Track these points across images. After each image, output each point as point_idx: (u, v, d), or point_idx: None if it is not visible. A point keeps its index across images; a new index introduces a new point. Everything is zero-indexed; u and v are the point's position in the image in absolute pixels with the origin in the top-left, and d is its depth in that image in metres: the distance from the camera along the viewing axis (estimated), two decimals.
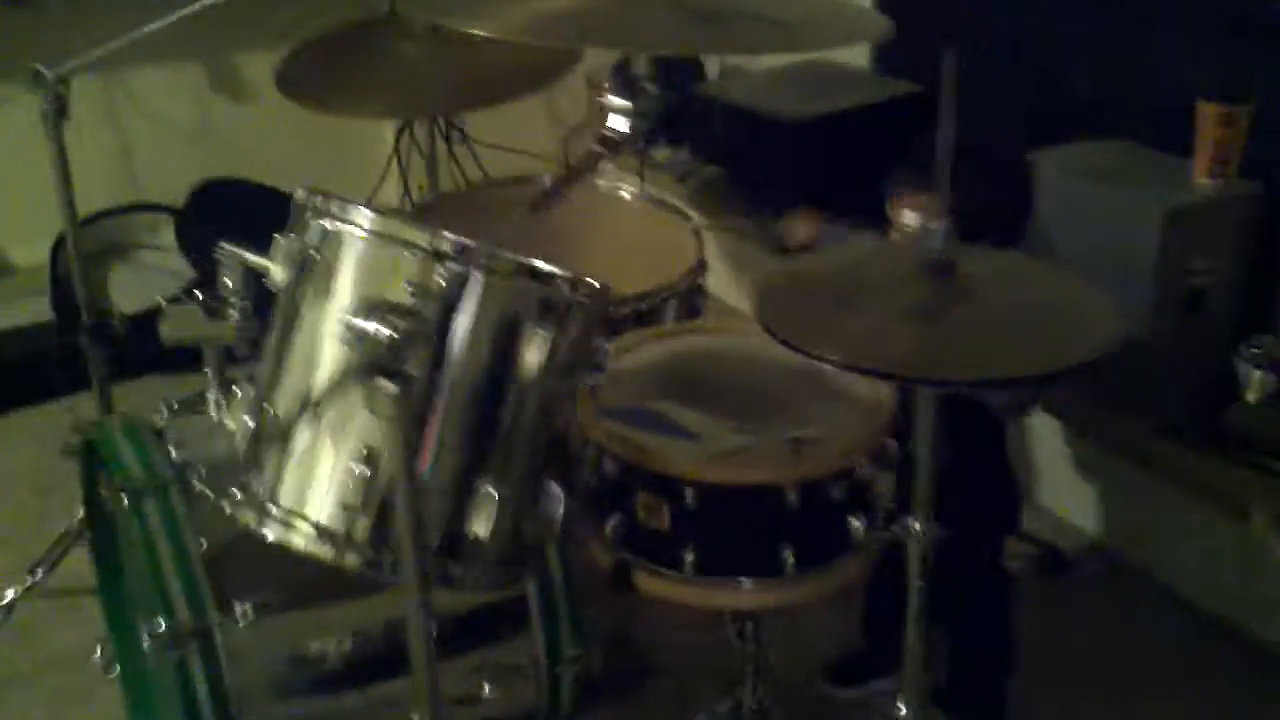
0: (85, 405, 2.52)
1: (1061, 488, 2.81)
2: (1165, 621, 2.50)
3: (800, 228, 2.42)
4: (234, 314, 1.70)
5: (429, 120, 2.95)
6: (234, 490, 1.53)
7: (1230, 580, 2.47)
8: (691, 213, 2.55)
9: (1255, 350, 2.44)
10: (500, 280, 1.46)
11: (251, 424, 1.52)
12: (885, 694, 2.33)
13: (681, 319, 2.22)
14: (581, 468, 1.77)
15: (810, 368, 1.92)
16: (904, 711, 1.71)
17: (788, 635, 2.21)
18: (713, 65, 4.05)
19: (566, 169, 1.32)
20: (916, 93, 3.36)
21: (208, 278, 1.70)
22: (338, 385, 1.46)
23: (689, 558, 1.74)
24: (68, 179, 2.29)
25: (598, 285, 1.53)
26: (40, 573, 2.48)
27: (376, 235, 1.47)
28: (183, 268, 3.56)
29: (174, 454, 1.78)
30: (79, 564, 2.33)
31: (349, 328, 1.25)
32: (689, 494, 1.71)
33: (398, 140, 3.82)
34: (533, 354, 1.46)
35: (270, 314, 1.56)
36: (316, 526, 1.48)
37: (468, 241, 1.44)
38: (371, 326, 1.23)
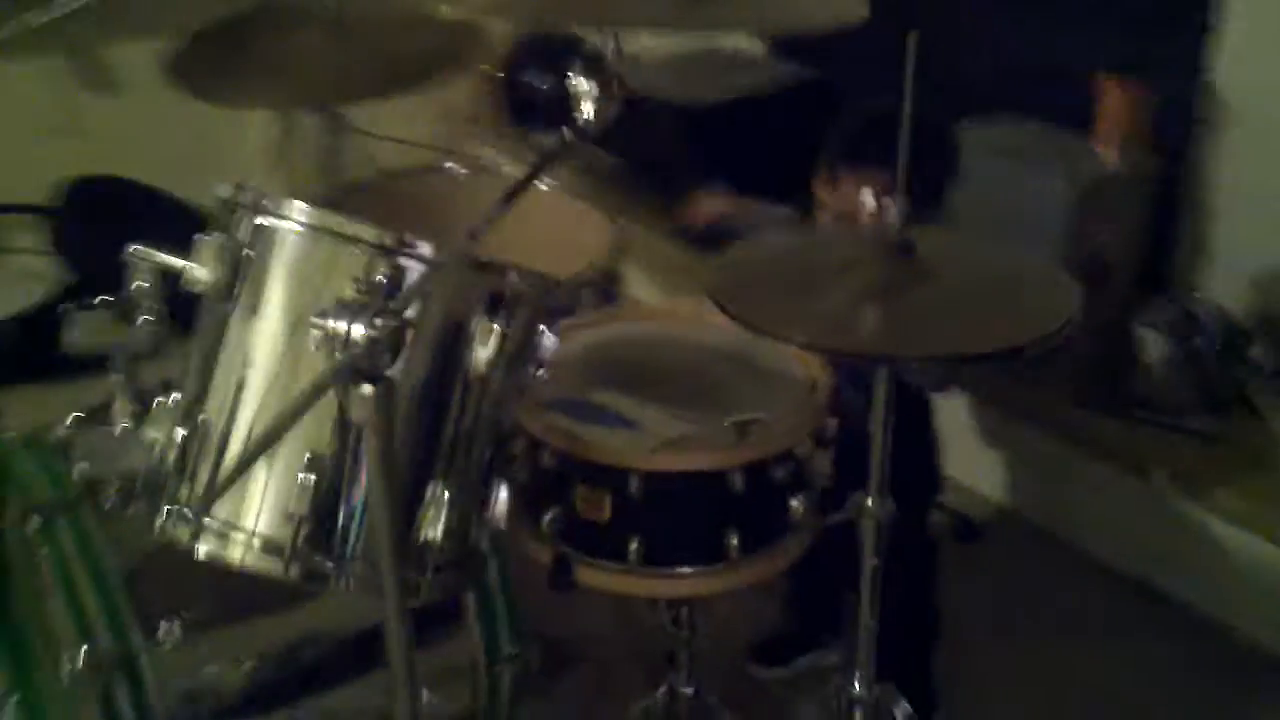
0: None
1: (968, 457, 2.84)
2: (1077, 581, 2.56)
3: (706, 204, 2.38)
4: (145, 318, 1.61)
5: (322, 112, 2.83)
6: (162, 504, 1.43)
7: (1137, 538, 2.52)
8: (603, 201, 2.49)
9: (1153, 316, 2.50)
10: (448, 274, 1.39)
11: (183, 433, 1.43)
12: (813, 670, 2.36)
13: (597, 308, 2.17)
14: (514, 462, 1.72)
15: (740, 350, 1.91)
16: (858, 688, 1.69)
17: (710, 618, 2.19)
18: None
19: (533, 162, 1.26)
20: (813, 78, 3.37)
21: (90, 281, 1.60)
22: (277, 390, 1.39)
23: (633, 547, 1.70)
24: None
25: (542, 275, 1.48)
26: None
27: (315, 230, 1.39)
28: (49, 270, 3.38)
29: (81, 469, 1.67)
30: None
31: (321, 330, 1.17)
32: (633, 483, 1.67)
33: (283, 134, 3.71)
34: (482, 349, 1.40)
35: (196, 317, 1.47)
36: (256, 538, 1.40)
37: (413, 236, 1.38)
38: (346, 327, 1.16)
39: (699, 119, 3.26)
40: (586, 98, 1.29)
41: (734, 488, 1.68)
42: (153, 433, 1.49)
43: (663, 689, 2.09)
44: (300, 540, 1.39)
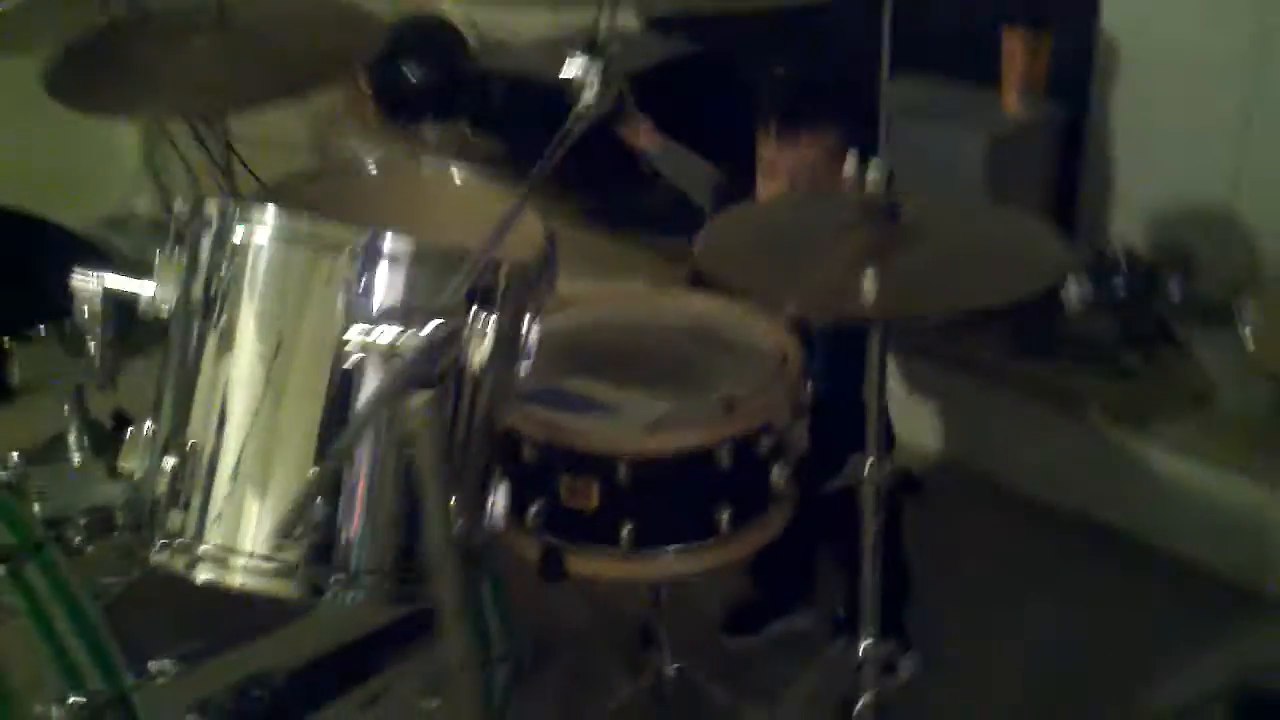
0: None
1: (904, 410, 2.87)
2: (1020, 523, 2.61)
3: (644, 133, 2.31)
4: (94, 346, 1.53)
5: (212, 121, 2.71)
6: (155, 535, 1.36)
7: (1075, 475, 2.59)
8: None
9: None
10: (439, 268, 1.34)
11: (171, 461, 1.35)
12: (785, 635, 2.37)
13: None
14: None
15: (703, 327, 1.90)
16: (865, 647, 1.69)
17: (680, 596, 2.19)
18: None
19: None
20: (696, 52, 3.36)
21: None
22: (265, 409, 1.33)
23: (625, 533, 1.68)
24: None
25: (527, 266, 1.44)
26: None
27: (290, 238, 1.33)
28: None
29: (40, 509, 1.58)
30: None
31: (363, 341, 1.12)
32: (621, 469, 1.65)
33: (150, 145, 3.56)
34: (477, 345, 1.35)
35: (155, 339, 1.40)
36: (256, 559, 1.34)
37: (397, 234, 1.32)
38: (393, 337, 1.11)
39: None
40: (587, 85, 1.24)
41: (721, 464, 1.68)
42: (129, 464, 1.41)
43: (646, 671, 2.08)
44: (304, 557, 1.33)
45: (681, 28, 3.48)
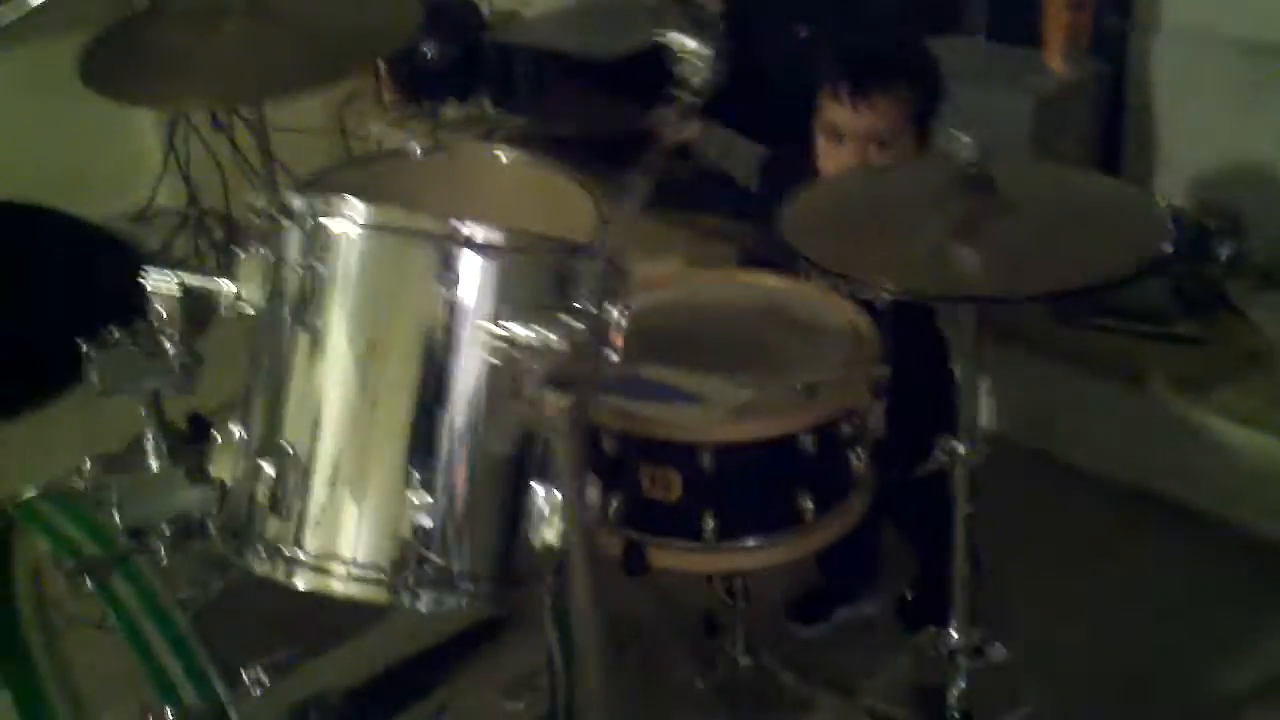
0: None
1: None
2: (1079, 498, 2.58)
3: (679, 122, 2.27)
4: (171, 348, 1.50)
5: (250, 108, 2.65)
6: (255, 543, 1.33)
7: (1134, 447, 2.56)
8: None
9: None
10: (528, 258, 1.31)
11: (264, 466, 1.31)
12: (852, 622, 2.35)
13: None
14: None
15: (771, 306, 1.87)
16: (956, 638, 1.67)
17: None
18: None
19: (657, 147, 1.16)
20: (726, 15, 3.30)
21: None
22: (363, 410, 1.29)
23: (709, 524, 1.65)
24: None
25: (609, 252, 1.40)
26: None
27: (380, 232, 1.30)
28: None
29: (120, 518, 1.54)
30: None
31: (506, 339, 1.08)
32: (705, 458, 1.62)
33: (172, 134, 3.51)
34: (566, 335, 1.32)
35: (256, 343, 1.36)
36: (355, 566, 1.31)
37: (486, 224, 1.29)
38: (539, 334, 1.08)
39: (612, 72, 3.17)
40: (697, 62, 1.20)
41: (805, 450, 1.65)
42: (219, 470, 1.38)
43: (717, 662, 2.05)
44: (403, 563, 1.30)
45: None
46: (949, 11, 2.71)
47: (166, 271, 1.43)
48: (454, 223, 1.28)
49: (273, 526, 1.32)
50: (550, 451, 1.34)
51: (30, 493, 1.60)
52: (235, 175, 3.44)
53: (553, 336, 1.10)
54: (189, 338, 1.49)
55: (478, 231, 1.27)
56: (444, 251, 1.27)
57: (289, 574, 1.31)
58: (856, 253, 1.37)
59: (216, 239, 3.59)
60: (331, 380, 1.30)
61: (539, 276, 1.30)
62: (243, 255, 1.37)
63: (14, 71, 3.20)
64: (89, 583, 1.46)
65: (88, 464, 1.62)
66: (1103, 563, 2.43)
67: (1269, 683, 2.18)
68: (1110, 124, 2.65)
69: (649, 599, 2.21)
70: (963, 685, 1.65)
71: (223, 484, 1.38)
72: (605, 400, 1.63)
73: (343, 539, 1.31)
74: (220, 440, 1.39)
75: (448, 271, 1.27)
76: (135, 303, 1.47)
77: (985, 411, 2.66)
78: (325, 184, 2.21)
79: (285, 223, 1.33)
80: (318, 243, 1.30)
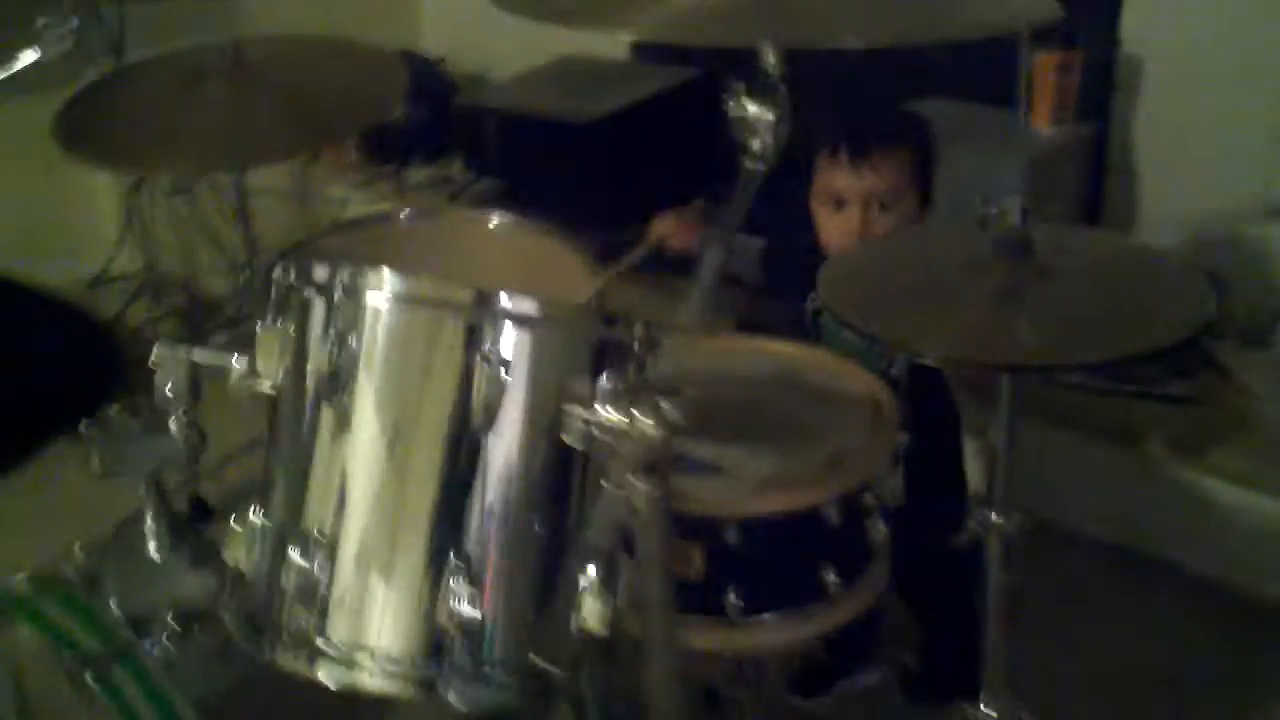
0: None
1: None
2: (1078, 561, 2.55)
3: (677, 228, 2.27)
4: (180, 426, 1.42)
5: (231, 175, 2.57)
6: (278, 633, 1.25)
7: (1130, 509, 2.54)
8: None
9: None
10: (568, 329, 1.26)
11: (286, 552, 1.24)
12: (855, 693, 2.29)
13: None
14: None
15: (785, 373, 1.82)
16: (991, 712, 1.62)
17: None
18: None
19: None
20: (695, 77, 3.29)
21: None
22: (392, 491, 1.23)
23: (731, 600, 1.59)
24: None
25: (648, 322, 1.35)
26: None
27: (415, 303, 1.24)
28: None
29: (119, 608, 1.46)
30: None
31: (587, 419, 1.03)
32: (730, 532, 1.57)
33: (131, 198, 3.42)
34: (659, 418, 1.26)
35: (275, 420, 1.29)
36: (383, 659, 1.24)
37: (523, 292, 1.24)
38: (623, 415, 1.02)
39: (592, 133, 3.14)
40: (761, 126, 1.15)
41: (830, 522, 1.60)
42: (235, 555, 1.30)
43: None
44: (443, 654, 1.24)
45: (670, 54, 3.41)
46: (927, 75, 2.71)
47: (175, 346, 1.36)
48: (492, 294, 1.22)
49: (296, 615, 1.25)
50: (590, 533, 1.29)
51: (16, 581, 1.50)
52: (198, 241, 3.36)
53: (648, 421, 1.04)
54: (195, 415, 1.42)
55: (520, 303, 1.22)
56: (482, 324, 1.21)
57: (313, 667, 1.24)
58: (901, 320, 1.33)
59: (177, 306, 3.50)
60: (360, 461, 1.24)
61: (580, 348, 1.25)
62: (261, 328, 1.29)
63: None
64: (89, 679, 1.37)
65: (77, 550, 1.54)
66: (1099, 626, 2.40)
67: None
68: (1094, 183, 2.66)
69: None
70: None
71: (238, 570, 1.30)
72: None
73: (371, 629, 1.24)
74: (235, 523, 1.31)
75: (487, 345, 1.21)
76: (86, 374, 1.40)
77: (975, 474, 2.65)
78: (311, 249, 2.16)
79: (309, 294, 1.26)
80: (346, 315, 1.24)
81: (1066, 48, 2.47)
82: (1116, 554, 2.52)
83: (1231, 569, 2.41)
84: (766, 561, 1.59)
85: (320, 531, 1.24)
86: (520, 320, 1.22)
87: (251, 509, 1.30)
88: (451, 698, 1.24)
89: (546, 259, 2.15)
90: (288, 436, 1.28)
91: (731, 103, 1.11)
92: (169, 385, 1.38)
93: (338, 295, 1.24)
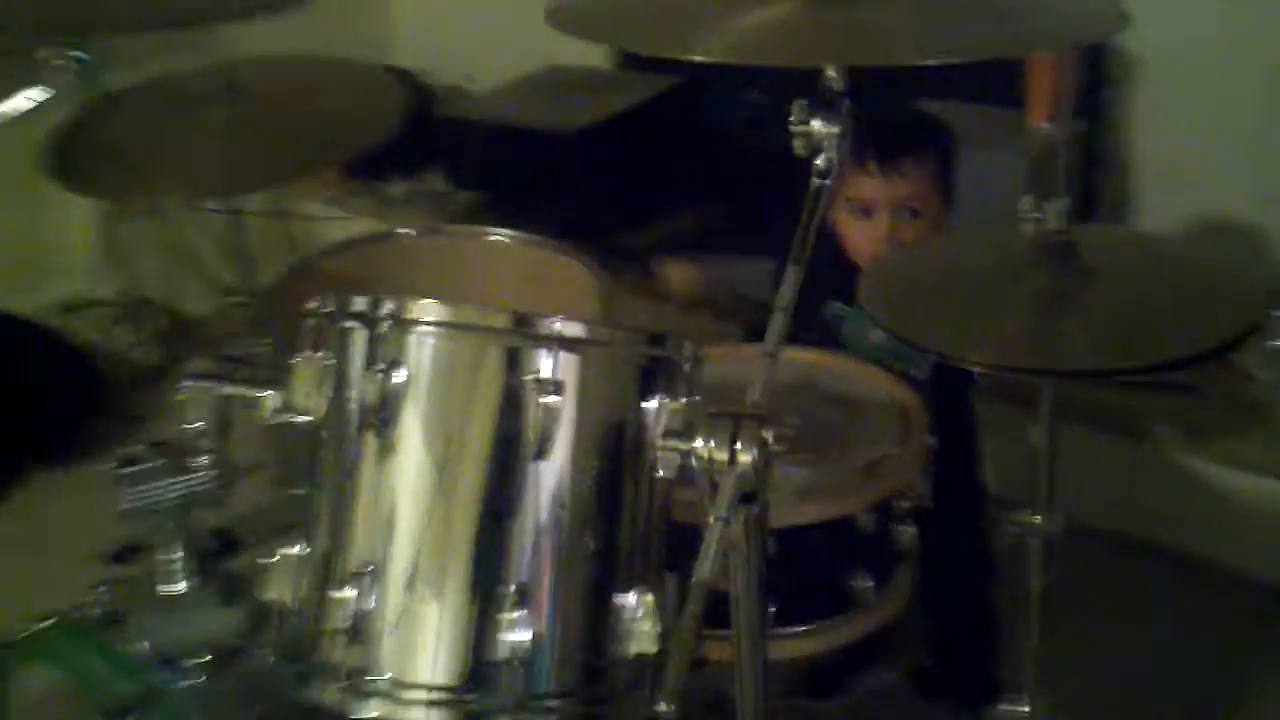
0: None
1: None
2: (1093, 557, 2.53)
3: (678, 277, 2.26)
4: (206, 463, 1.39)
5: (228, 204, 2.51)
6: (314, 668, 1.22)
7: (1139, 498, 2.54)
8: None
9: None
10: (616, 350, 1.24)
11: (330, 586, 1.21)
12: (868, 693, 2.28)
13: None
14: None
15: (808, 381, 1.81)
16: (1025, 709, 1.61)
17: None
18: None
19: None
20: (677, 85, 3.27)
21: None
22: (435, 524, 1.21)
23: (769, 611, 1.57)
24: None
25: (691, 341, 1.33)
26: None
27: (458, 330, 1.22)
28: None
29: (151, 647, 1.43)
30: None
31: (684, 452, 1.01)
32: (769, 544, 1.54)
33: (112, 222, 3.36)
34: (653, 428, 1.25)
35: (316, 453, 1.26)
36: (434, 693, 1.21)
37: (569, 318, 1.22)
38: (721, 447, 1.00)
39: (577, 144, 3.11)
40: (828, 142, 1.13)
41: (864, 529, 1.59)
42: (277, 591, 1.27)
43: None
44: (495, 685, 1.21)
45: (655, 63, 3.39)
46: (925, 75, 2.70)
47: (205, 380, 1.33)
48: (540, 318, 1.20)
49: (342, 650, 1.22)
50: (643, 555, 1.27)
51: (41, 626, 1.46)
52: (179, 264, 3.31)
53: (752, 452, 1.02)
54: (224, 450, 1.39)
55: (568, 326, 1.20)
56: (529, 348, 1.19)
57: (361, 702, 1.21)
58: (947, 328, 1.32)
59: (158, 330, 3.44)
60: (408, 490, 1.21)
61: (628, 369, 1.24)
62: (298, 360, 1.26)
63: None
64: None
65: (100, 587, 1.50)
66: (1122, 619, 2.39)
67: None
68: (1088, 179, 2.66)
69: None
70: None
71: (277, 605, 1.27)
72: None
73: (421, 661, 1.21)
74: (277, 557, 1.28)
75: (535, 369, 1.19)
76: (67, 401, 1.36)
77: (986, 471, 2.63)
78: (315, 270, 2.13)
79: (349, 324, 1.23)
80: (390, 345, 1.21)
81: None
82: (1123, 543, 2.52)
83: (1240, 554, 2.42)
84: (803, 572, 1.58)
85: (368, 563, 1.21)
86: (568, 343, 1.21)
87: (292, 542, 1.27)
88: None
89: (553, 274, 2.13)
90: (331, 468, 1.25)
91: (795, 120, 1.09)
92: (199, 421, 1.36)
93: (380, 326, 1.22)
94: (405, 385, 1.19)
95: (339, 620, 1.20)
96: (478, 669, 1.20)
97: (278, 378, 1.30)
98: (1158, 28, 2.46)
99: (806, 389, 1.78)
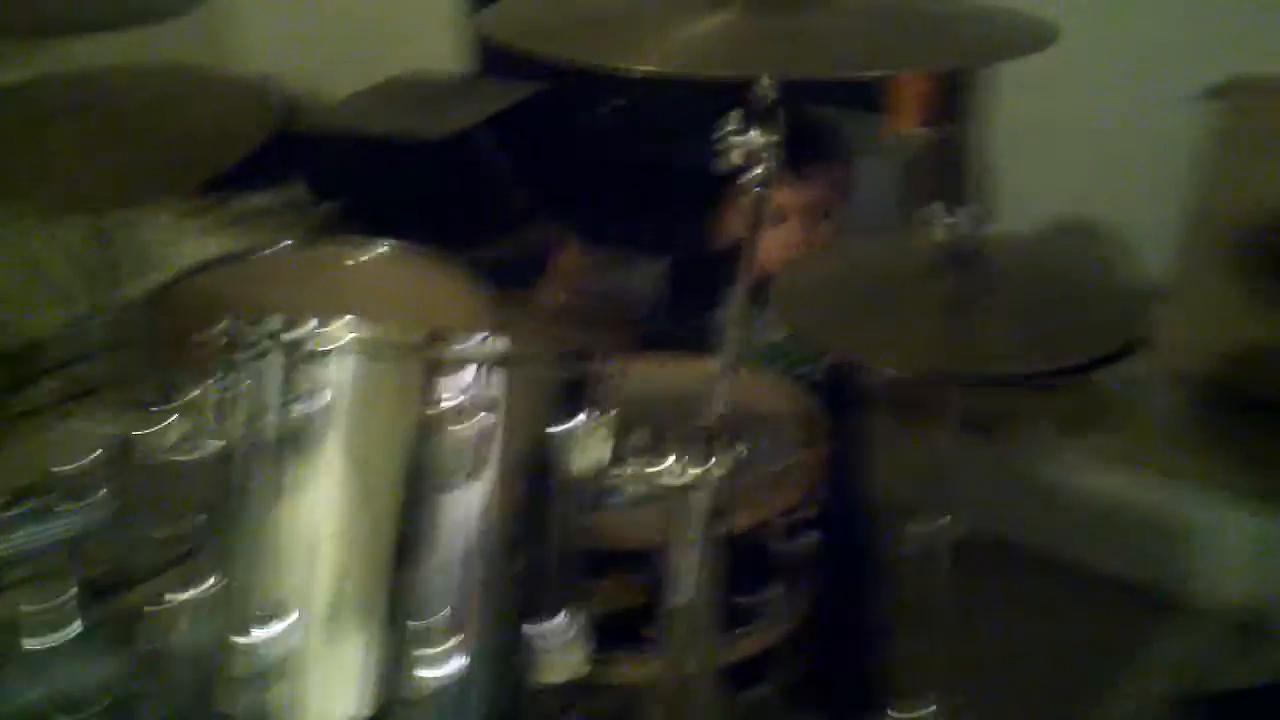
0: None
1: None
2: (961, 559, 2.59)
3: (564, 273, 2.24)
4: (99, 499, 1.32)
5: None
6: (232, 710, 1.17)
7: (997, 499, 2.59)
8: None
9: None
10: (539, 366, 1.22)
11: (251, 622, 1.15)
12: (749, 704, 2.27)
13: None
14: None
15: (695, 390, 1.79)
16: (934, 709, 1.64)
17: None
18: None
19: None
20: (540, 91, 3.24)
21: None
22: (359, 549, 1.16)
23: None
24: None
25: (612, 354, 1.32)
26: None
27: (374, 348, 1.17)
28: None
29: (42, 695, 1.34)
30: None
31: (670, 472, 0.98)
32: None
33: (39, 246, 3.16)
34: (591, 449, 1.23)
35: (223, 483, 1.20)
36: None
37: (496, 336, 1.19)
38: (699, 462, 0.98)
39: (439, 151, 3.06)
40: (764, 151, 1.11)
41: (774, 537, 1.61)
42: (163, 632, 1.21)
43: None
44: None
45: (515, 68, 3.35)
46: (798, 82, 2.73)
47: (91, 415, 1.26)
48: (459, 336, 1.17)
49: (253, 690, 1.16)
50: (567, 577, 1.25)
51: None
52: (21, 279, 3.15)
53: (722, 467, 1.00)
54: (115, 490, 1.31)
55: (489, 344, 1.17)
56: (449, 367, 1.16)
57: None
58: (858, 332, 1.33)
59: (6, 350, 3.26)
60: (330, 521, 1.17)
61: (551, 385, 1.22)
62: (202, 387, 1.20)
63: None
64: None
65: None
66: (977, 618, 2.44)
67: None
68: (952, 181, 2.72)
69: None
70: None
71: (166, 649, 1.21)
72: None
73: (341, 697, 1.16)
74: (181, 596, 1.21)
75: (456, 388, 1.16)
76: None
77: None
78: (184, 288, 2.04)
79: (262, 347, 1.18)
80: (309, 368, 1.16)
81: None
82: (984, 543, 2.57)
83: (1100, 552, 2.50)
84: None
85: (288, 598, 1.16)
86: (496, 360, 1.18)
87: (196, 579, 1.21)
88: None
89: (433, 286, 2.09)
90: (242, 499, 1.19)
91: (730, 132, 1.08)
92: (91, 460, 1.28)
93: (297, 348, 1.17)
94: (327, 409, 1.15)
95: (248, 658, 1.15)
96: (404, 703, 1.16)
97: (171, 406, 1.24)
98: None
99: (688, 397, 1.76)
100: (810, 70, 0.97)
